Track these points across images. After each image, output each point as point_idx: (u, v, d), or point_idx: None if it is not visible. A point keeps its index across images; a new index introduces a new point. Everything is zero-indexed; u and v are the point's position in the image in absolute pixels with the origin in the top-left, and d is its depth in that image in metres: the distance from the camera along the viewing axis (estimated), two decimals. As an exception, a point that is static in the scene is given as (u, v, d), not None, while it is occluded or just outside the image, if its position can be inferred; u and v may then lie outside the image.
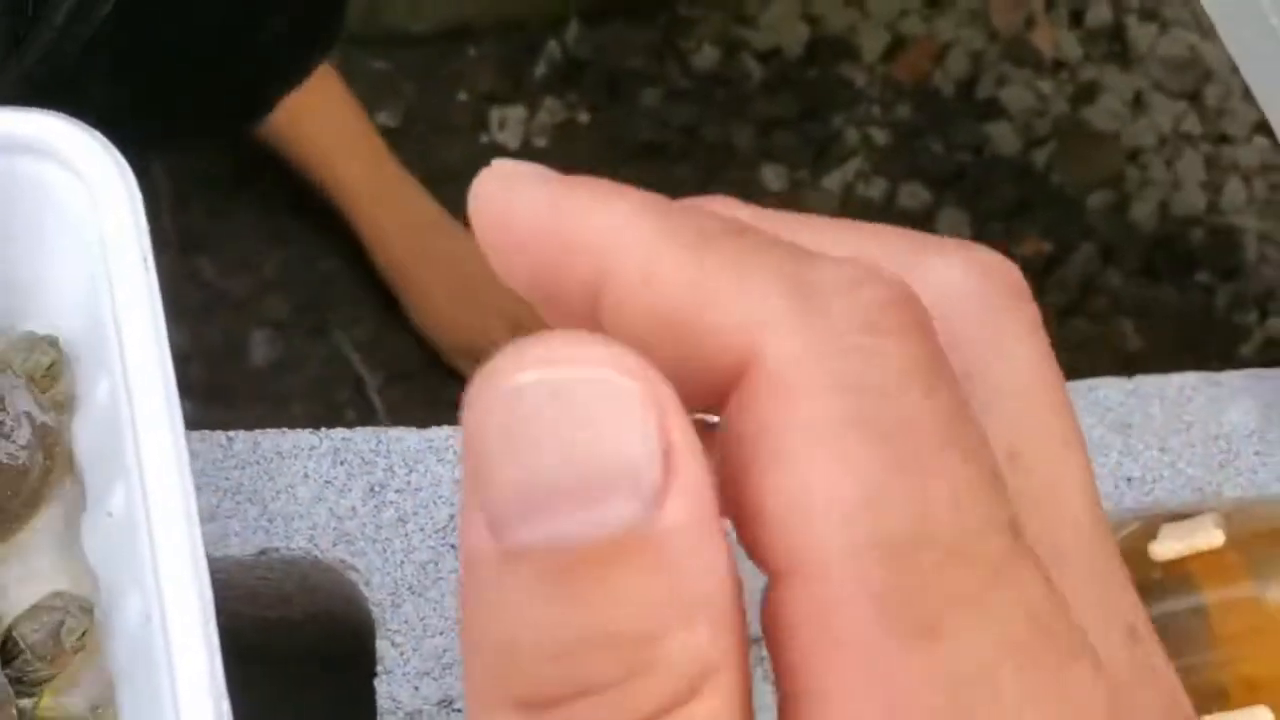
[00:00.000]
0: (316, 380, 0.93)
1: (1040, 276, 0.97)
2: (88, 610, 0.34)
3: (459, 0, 1.00)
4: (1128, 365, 0.95)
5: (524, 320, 0.91)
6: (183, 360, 1.00)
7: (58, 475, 0.35)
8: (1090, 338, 0.94)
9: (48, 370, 0.36)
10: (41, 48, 0.36)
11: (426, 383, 0.95)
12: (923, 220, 0.98)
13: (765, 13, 1.04)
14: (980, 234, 0.98)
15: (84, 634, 0.33)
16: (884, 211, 0.98)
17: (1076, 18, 1.06)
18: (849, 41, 1.03)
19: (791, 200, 0.99)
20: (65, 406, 0.36)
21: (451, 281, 0.91)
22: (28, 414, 0.34)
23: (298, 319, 0.94)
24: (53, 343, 0.36)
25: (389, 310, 0.96)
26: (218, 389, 0.92)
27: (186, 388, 0.97)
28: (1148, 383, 0.45)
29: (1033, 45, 1.04)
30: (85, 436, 0.35)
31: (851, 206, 0.99)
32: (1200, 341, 0.96)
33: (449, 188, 0.98)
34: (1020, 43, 1.04)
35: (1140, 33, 1.05)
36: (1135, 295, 0.96)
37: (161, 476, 0.32)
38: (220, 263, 0.94)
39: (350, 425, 0.97)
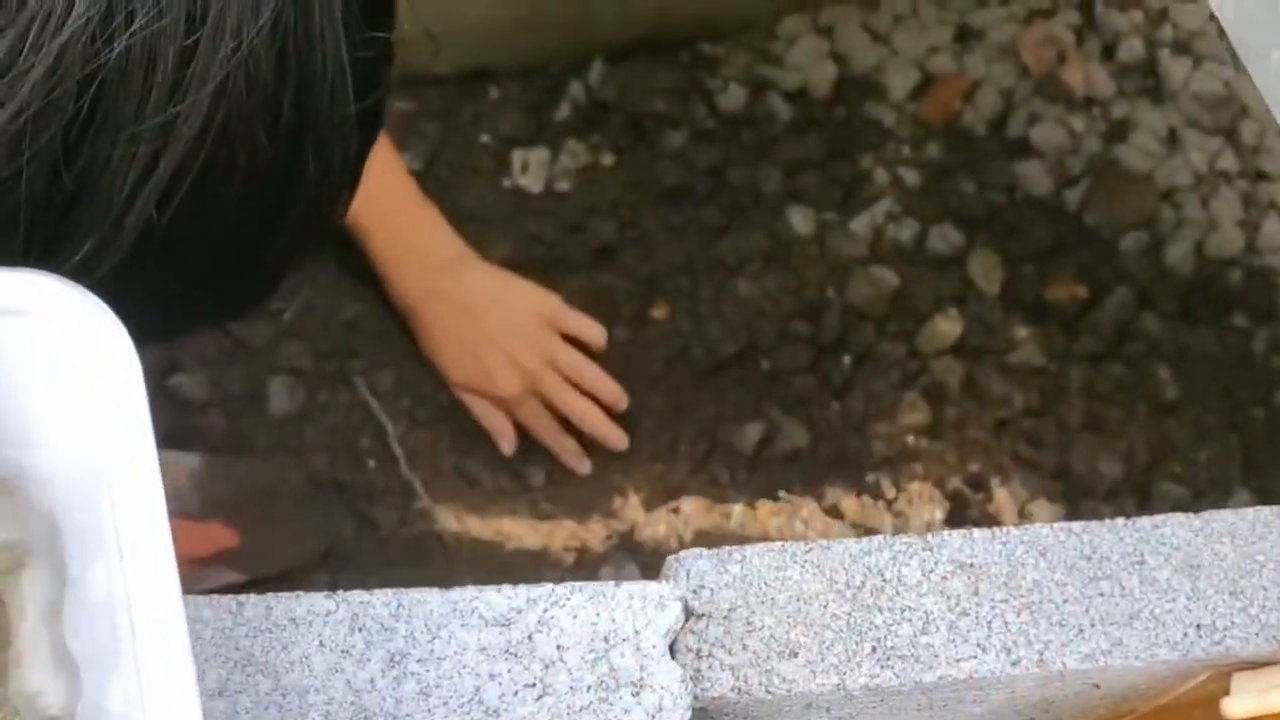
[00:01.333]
0: (337, 429, 0.92)
1: (1074, 321, 0.95)
2: None
3: (481, 42, 0.98)
4: (1164, 412, 0.93)
5: (523, 362, 0.90)
6: (201, 409, 0.97)
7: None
8: (1126, 384, 0.93)
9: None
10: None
11: (448, 431, 0.94)
12: (954, 263, 0.96)
13: (791, 51, 1.02)
14: (1013, 276, 0.96)
15: None
16: (914, 254, 0.97)
17: (1108, 53, 1.04)
18: (877, 80, 1.01)
19: (819, 243, 0.97)
20: (43, 579, 0.34)
21: (462, 319, 0.90)
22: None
23: (318, 367, 0.92)
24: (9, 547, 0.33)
25: (410, 358, 0.95)
26: (236, 438, 0.90)
27: (205, 438, 0.94)
28: (1217, 519, 0.44)
29: (1064, 82, 1.01)
30: (80, 622, 0.33)
31: (881, 249, 0.97)
32: (1238, 387, 0.94)
33: (471, 229, 0.97)
34: (1051, 79, 1.02)
35: (1173, 68, 1.03)
36: (1171, 339, 0.94)
37: (164, 676, 0.30)
38: (240, 310, 0.93)
39: (372, 475, 0.96)
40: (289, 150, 0.37)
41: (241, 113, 0.35)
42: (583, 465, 0.90)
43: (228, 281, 0.41)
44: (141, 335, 0.34)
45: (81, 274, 0.34)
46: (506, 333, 0.90)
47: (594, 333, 0.91)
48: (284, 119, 0.36)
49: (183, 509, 0.80)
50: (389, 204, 0.90)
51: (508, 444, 0.91)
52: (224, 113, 0.35)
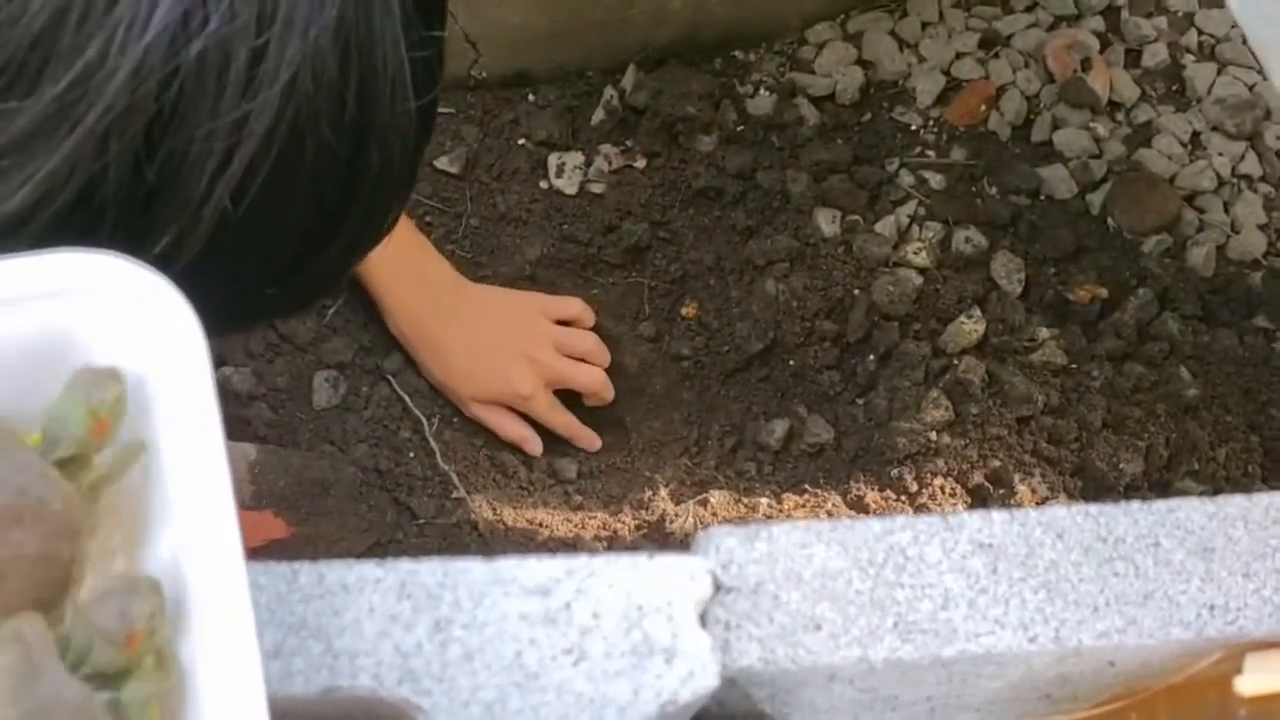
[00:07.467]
0: (377, 422, 0.94)
1: (1096, 322, 0.97)
2: (155, 589, 0.33)
3: (519, 49, 1.01)
4: (1185, 412, 0.94)
5: (535, 355, 0.92)
6: (248, 401, 0.99)
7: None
8: (1147, 384, 0.94)
9: (112, 406, 0.35)
10: None
11: (482, 425, 0.96)
12: (977, 265, 0.98)
13: (820, 58, 1.04)
14: (1035, 278, 0.98)
15: (153, 616, 0.33)
16: (939, 255, 0.98)
17: (1133, 58, 1.05)
18: (903, 85, 1.03)
19: (845, 244, 0.99)
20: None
21: (469, 337, 0.92)
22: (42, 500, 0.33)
23: (359, 362, 0.95)
24: (114, 375, 0.35)
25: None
26: (282, 429, 0.93)
27: (252, 428, 0.96)
28: (1231, 504, 0.45)
29: (1089, 86, 1.03)
30: None
31: (906, 251, 0.99)
32: (1258, 387, 0.95)
33: (508, 230, 0.99)
34: (1076, 84, 1.03)
35: (1198, 73, 1.04)
36: (1192, 340, 0.96)
37: (224, 645, 0.32)
38: (283, 306, 0.96)
39: (411, 466, 0.98)
40: (353, 145, 0.39)
41: (309, 109, 0.37)
42: (595, 442, 0.95)
43: (298, 275, 0.43)
44: (218, 326, 0.37)
45: (162, 265, 0.36)
46: (513, 334, 0.93)
47: (580, 309, 0.95)
48: (348, 114, 0.38)
49: (238, 498, 0.82)
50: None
51: (536, 446, 0.94)
52: (293, 109, 0.37)
